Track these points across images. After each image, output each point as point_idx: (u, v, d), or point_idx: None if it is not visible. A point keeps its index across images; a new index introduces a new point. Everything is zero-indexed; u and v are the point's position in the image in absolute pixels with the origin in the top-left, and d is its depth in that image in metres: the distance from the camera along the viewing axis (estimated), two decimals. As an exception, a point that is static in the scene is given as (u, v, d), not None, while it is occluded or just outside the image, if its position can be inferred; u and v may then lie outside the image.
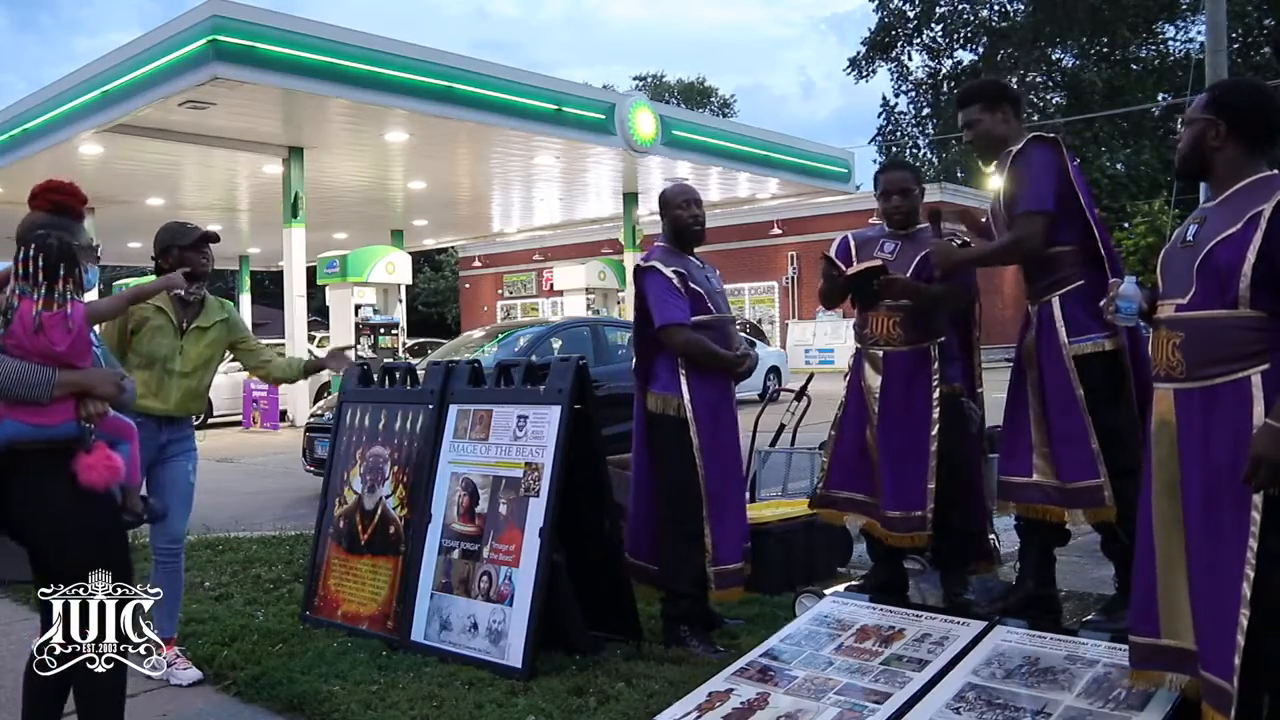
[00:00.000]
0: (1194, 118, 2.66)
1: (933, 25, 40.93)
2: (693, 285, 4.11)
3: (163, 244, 3.96)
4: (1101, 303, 2.90)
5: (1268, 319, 2.45)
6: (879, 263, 3.80)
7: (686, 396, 4.01)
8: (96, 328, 2.98)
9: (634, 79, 54.41)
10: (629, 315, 9.31)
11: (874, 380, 3.87)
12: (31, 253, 2.66)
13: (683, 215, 4.23)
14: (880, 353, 3.87)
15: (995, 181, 3.54)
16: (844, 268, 3.92)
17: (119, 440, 2.81)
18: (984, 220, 3.71)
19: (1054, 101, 39.23)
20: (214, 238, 4.03)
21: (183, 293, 3.92)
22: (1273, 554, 2.37)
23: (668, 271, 4.09)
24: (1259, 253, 2.42)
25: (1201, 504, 2.52)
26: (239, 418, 16.50)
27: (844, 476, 3.98)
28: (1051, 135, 3.39)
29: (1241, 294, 2.45)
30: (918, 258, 3.86)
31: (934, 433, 3.75)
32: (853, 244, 4.07)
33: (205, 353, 4.06)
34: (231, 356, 4.28)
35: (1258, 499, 2.38)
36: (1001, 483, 3.57)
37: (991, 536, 4.30)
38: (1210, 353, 2.50)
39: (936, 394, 3.78)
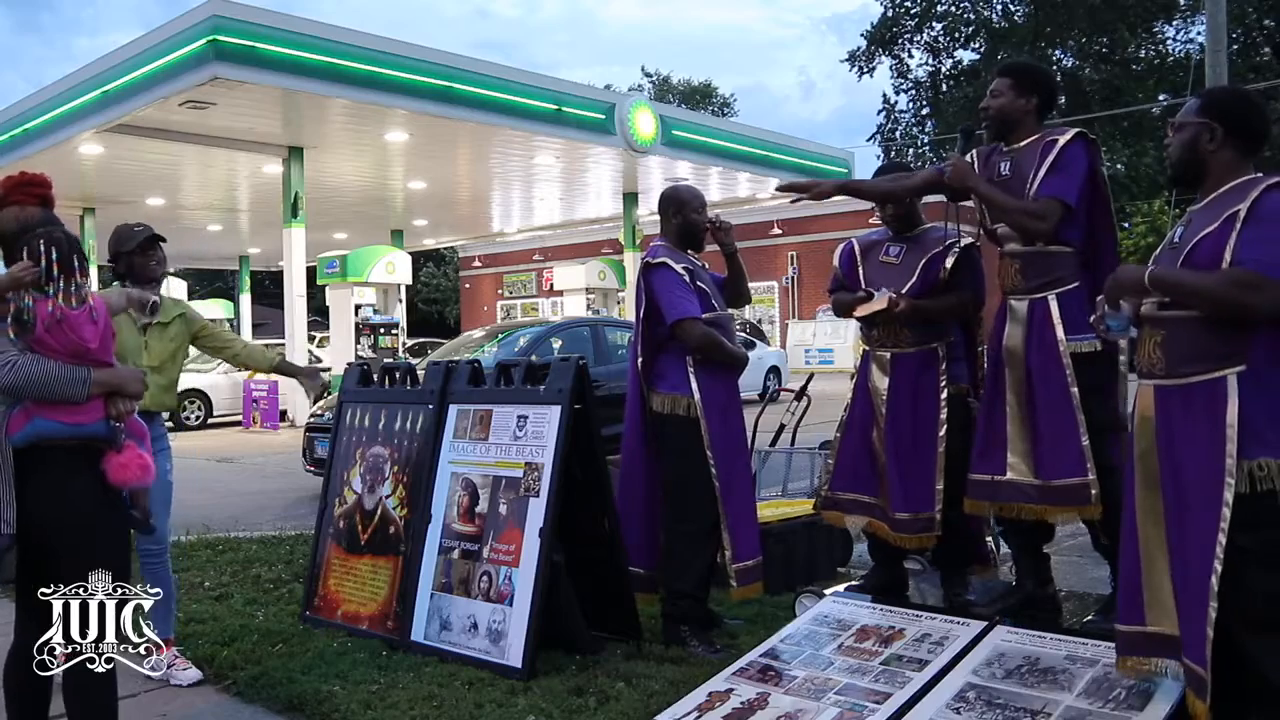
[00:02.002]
0: (1186, 122, 2.67)
1: (933, 24, 40.90)
2: (698, 283, 4.11)
3: (112, 250, 3.97)
4: (1091, 319, 2.91)
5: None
6: (884, 305, 3.78)
7: (697, 395, 4.01)
8: None
9: (643, 72, 54.61)
10: (629, 315, 9.30)
11: (881, 382, 3.86)
12: (42, 249, 2.63)
13: (698, 219, 4.25)
14: (888, 354, 3.87)
15: (1004, 168, 3.50)
16: (857, 299, 3.92)
17: (137, 439, 2.82)
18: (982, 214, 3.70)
19: (1054, 101, 39.19)
20: (159, 239, 4.02)
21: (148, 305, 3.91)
22: (1244, 551, 2.41)
23: (678, 267, 4.09)
24: (1234, 251, 2.44)
25: (1176, 499, 2.57)
26: (239, 418, 16.49)
27: (849, 478, 3.97)
28: (1093, 136, 3.39)
29: None
30: (923, 261, 3.86)
31: (942, 433, 3.74)
32: (857, 249, 4.07)
33: (169, 347, 4.08)
34: (220, 361, 4.27)
35: (1229, 495, 2.42)
36: (972, 481, 3.52)
37: (989, 539, 4.30)
38: (1188, 351, 2.54)
39: (944, 395, 3.78)
